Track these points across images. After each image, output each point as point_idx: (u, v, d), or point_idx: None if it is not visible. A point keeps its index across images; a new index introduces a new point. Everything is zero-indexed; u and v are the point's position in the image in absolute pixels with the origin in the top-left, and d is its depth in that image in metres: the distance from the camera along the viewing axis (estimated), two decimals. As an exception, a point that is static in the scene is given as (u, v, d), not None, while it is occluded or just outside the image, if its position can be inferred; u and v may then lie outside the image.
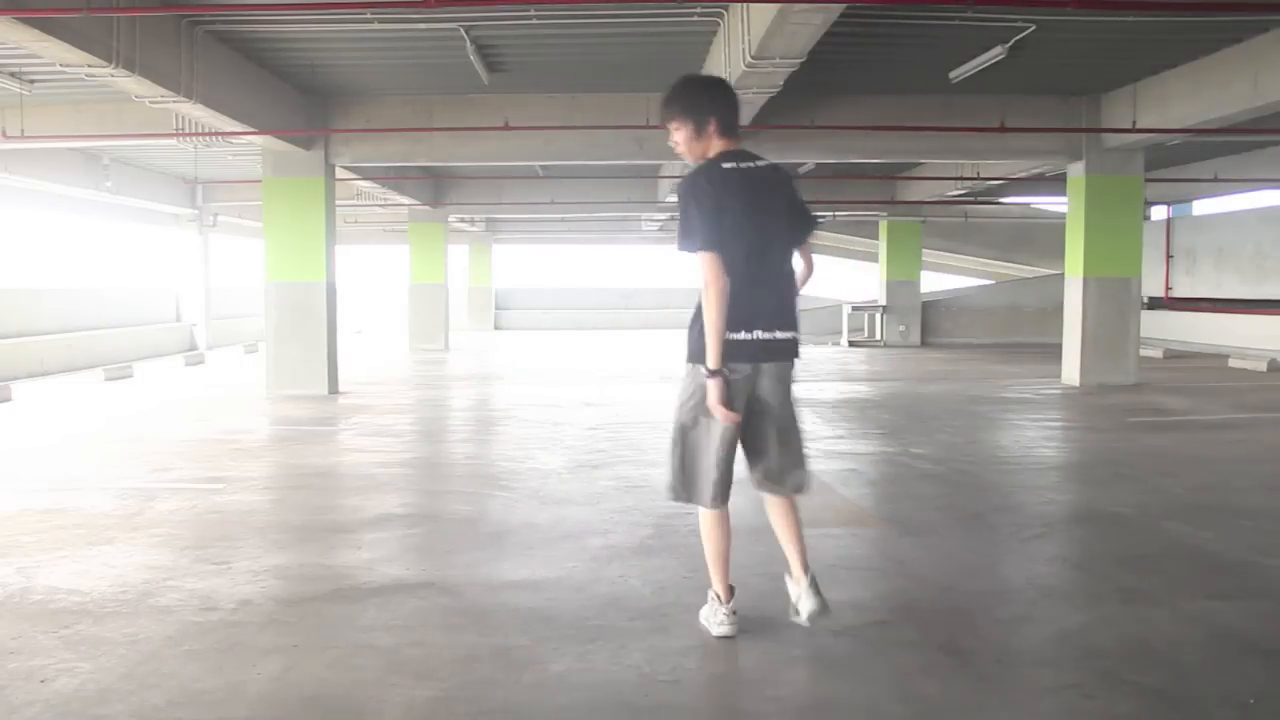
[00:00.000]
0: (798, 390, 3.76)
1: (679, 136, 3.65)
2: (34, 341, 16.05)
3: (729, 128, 3.61)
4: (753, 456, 3.71)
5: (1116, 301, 12.16)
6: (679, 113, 3.65)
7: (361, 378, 13.64)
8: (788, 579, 3.69)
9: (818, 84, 10.30)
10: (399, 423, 9.84)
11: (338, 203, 12.79)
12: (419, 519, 5.63)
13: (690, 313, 3.59)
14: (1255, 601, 4.09)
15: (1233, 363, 14.97)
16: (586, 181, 18.95)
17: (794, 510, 3.71)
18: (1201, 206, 19.78)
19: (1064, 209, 13.12)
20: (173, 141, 12.56)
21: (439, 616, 3.89)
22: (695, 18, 8.41)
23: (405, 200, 18.31)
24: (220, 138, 11.24)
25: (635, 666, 3.36)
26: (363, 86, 11.31)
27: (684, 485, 3.68)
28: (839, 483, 6.48)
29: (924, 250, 21.52)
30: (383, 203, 19.13)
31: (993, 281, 25.44)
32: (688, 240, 3.49)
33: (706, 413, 3.55)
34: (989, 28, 8.60)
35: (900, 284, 20.81)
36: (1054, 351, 13.12)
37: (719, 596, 3.66)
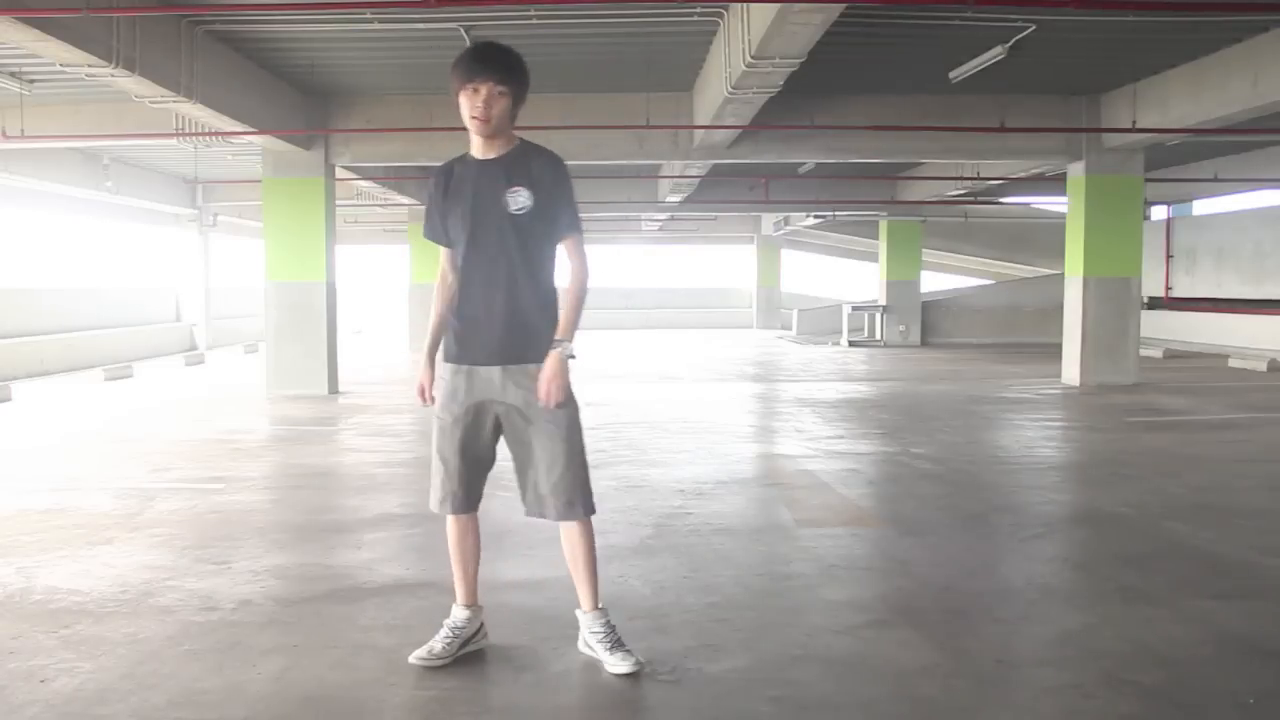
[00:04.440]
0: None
1: (500, 105, 3.13)
2: (34, 341, 16.06)
3: None
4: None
5: (1116, 301, 12.16)
6: (518, 79, 3.17)
7: (361, 378, 13.64)
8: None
9: (818, 84, 10.30)
10: (399, 423, 9.83)
11: (338, 203, 12.80)
12: (419, 519, 5.61)
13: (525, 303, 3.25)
14: (1255, 601, 4.09)
15: (1233, 363, 14.97)
16: (586, 181, 18.93)
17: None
18: (1201, 206, 19.78)
19: (1064, 209, 13.13)
20: (173, 141, 12.56)
21: (439, 616, 3.86)
22: (695, 18, 8.42)
23: (405, 200, 18.31)
24: (220, 138, 11.25)
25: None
26: (363, 86, 11.31)
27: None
28: (839, 483, 6.48)
29: (924, 250, 21.52)
30: (383, 203, 19.15)
31: (993, 281, 25.45)
32: (579, 220, 3.31)
33: None
34: (989, 28, 8.60)
35: (900, 284, 20.81)
36: (1054, 351, 13.12)
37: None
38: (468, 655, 3.43)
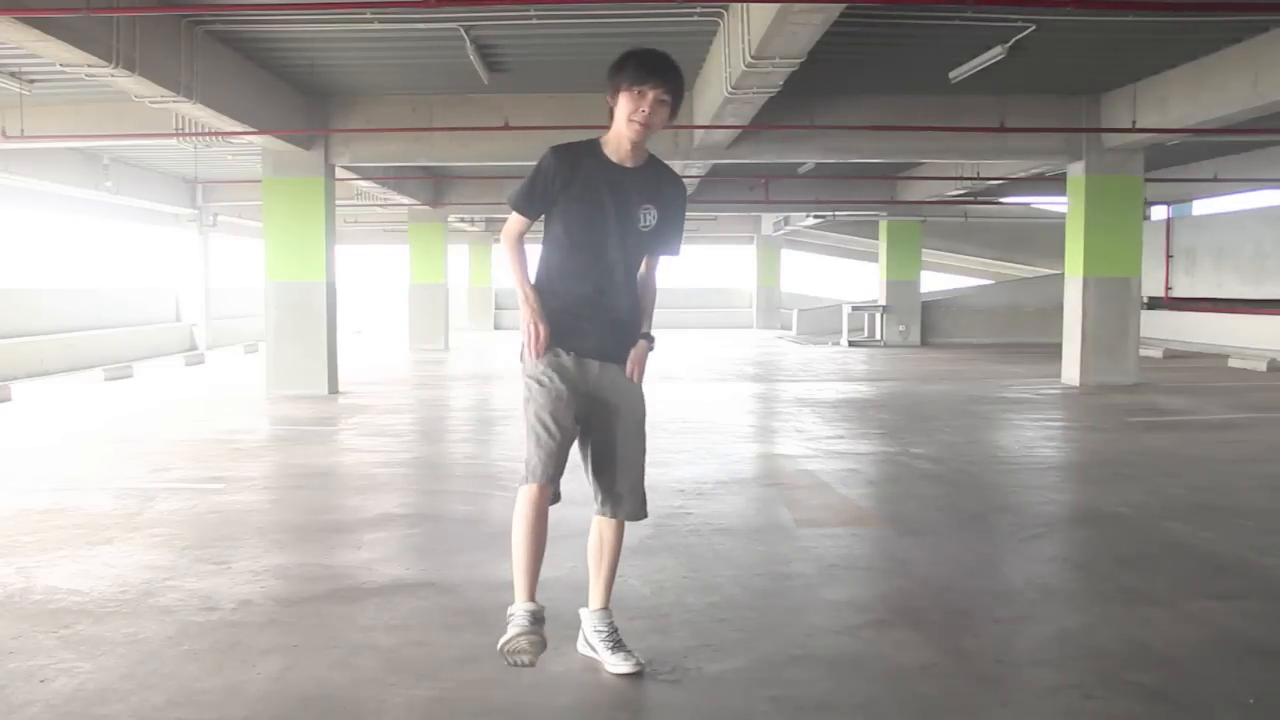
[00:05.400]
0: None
1: (661, 114, 3.18)
2: (34, 341, 16.06)
3: None
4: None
5: (1116, 301, 12.16)
6: (680, 93, 3.23)
7: (361, 378, 13.64)
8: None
9: (818, 84, 10.30)
10: (399, 423, 9.84)
11: (338, 203, 12.80)
12: (419, 519, 5.63)
13: (627, 307, 3.33)
14: (1255, 601, 4.09)
15: (1233, 363, 14.97)
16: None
17: None
18: (1201, 206, 19.78)
19: (1064, 209, 13.13)
20: (173, 141, 12.57)
21: (439, 616, 3.89)
22: (695, 18, 8.42)
23: (405, 200, 18.30)
24: (220, 138, 11.26)
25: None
26: (363, 86, 11.31)
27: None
28: (839, 483, 6.48)
29: (924, 250, 21.53)
30: (383, 203, 19.14)
31: (993, 281, 25.45)
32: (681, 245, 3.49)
33: None
34: (989, 28, 8.60)
35: (900, 284, 20.82)
36: (1054, 351, 13.12)
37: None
38: (466, 656, 3.44)
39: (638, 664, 3.27)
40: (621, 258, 3.26)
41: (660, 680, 3.24)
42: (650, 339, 3.38)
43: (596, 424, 3.30)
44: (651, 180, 3.30)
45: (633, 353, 3.32)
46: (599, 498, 3.34)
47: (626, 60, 3.19)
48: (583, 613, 3.43)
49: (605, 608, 3.39)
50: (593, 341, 3.26)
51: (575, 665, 3.37)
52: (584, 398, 3.27)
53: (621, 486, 3.29)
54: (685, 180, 16.20)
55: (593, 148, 3.26)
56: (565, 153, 3.25)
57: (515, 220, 3.30)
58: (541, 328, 3.22)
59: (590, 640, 3.37)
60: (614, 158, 3.24)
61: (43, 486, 6.43)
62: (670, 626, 3.74)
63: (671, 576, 4.37)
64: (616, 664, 3.27)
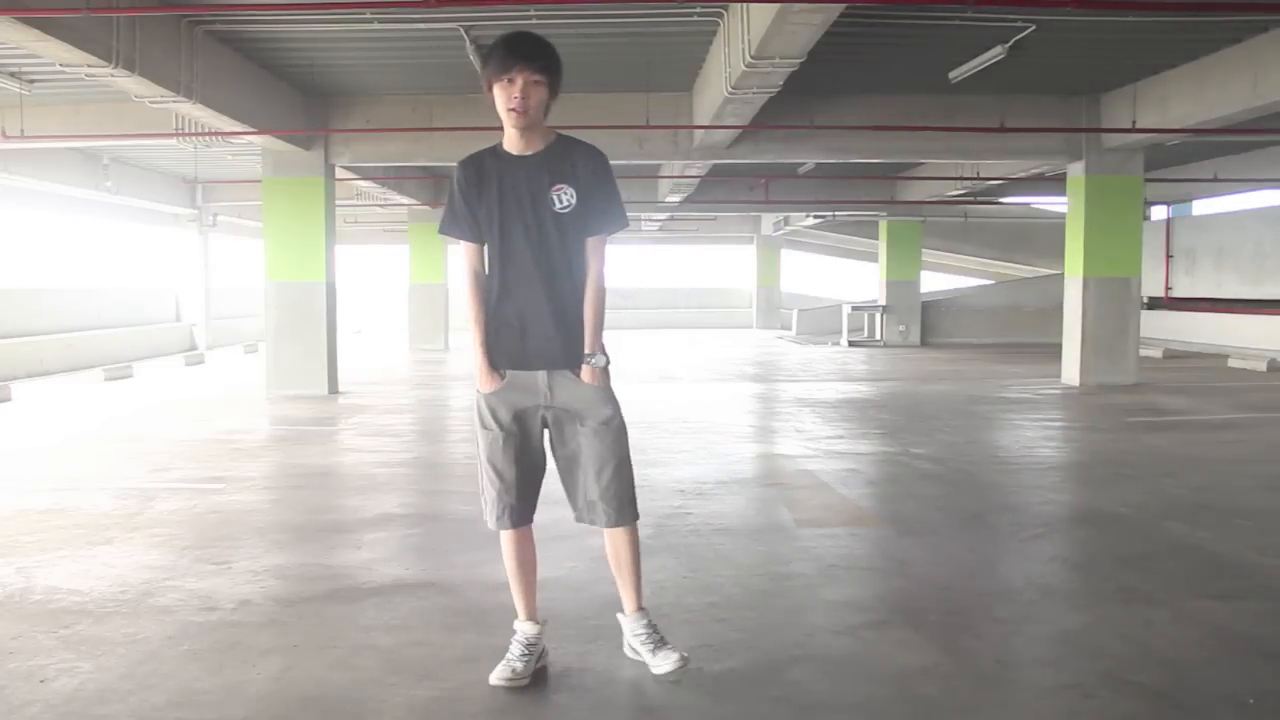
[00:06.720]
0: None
1: (537, 95, 3.06)
2: (34, 341, 16.05)
3: None
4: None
5: (1116, 301, 12.16)
6: (554, 68, 3.10)
7: (361, 378, 13.64)
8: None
9: (818, 84, 10.30)
10: (399, 423, 9.84)
11: (338, 203, 12.80)
12: (419, 519, 5.63)
13: (566, 298, 3.17)
14: (1255, 601, 4.09)
15: (1233, 363, 14.97)
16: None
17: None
18: (1201, 206, 19.79)
19: (1064, 209, 13.14)
20: (173, 141, 12.57)
21: (439, 616, 3.89)
22: (695, 18, 8.42)
23: (405, 200, 18.32)
24: (220, 138, 11.26)
25: (635, 666, 3.35)
26: (363, 86, 11.31)
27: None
28: (839, 483, 6.48)
29: (924, 250, 21.53)
30: (383, 203, 19.14)
31: (993, 281, 25.45)
32: (623, 218, 3.26)
33: None
34: (989, 28, 8.60)
35: (900, 284, 20.81)
36: (1054, 351, 13.12)
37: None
38: (466, 656, 3.44)
39: (681, 658, 3.16)
40: (547, 251, 3.11)
41: (660, 680, 3.24)
42: (593, 358, 3.14)
43: (556, 433, 3.22)
44: (559, 160, 3.14)
45: (582, 377, 3.15)
46: (574, 507, 3.28)
47: (491, 52, 3.12)
48: (620, 619, 3.36)
49: (640, 609, 3.30)
50: (535, 351, 3.13)
51: (575, 665, 3.37)
52: (530, 417, 3.18)
53: (592, 494, 3.19)
54: (685, 180, 16.30)
55: (494, 149, 3.20)
56: (470, 160, 3.20)
57: (464, 251, 3.22)
58: (486, 366, 3.14)
59: (633, 644, 3.30)
60: (513, 151, 3.16)
61: (43, 486, 6.44)
62: (670, 626, 3.72)
63: (671, 576, 4.37)
64: (659, 664, 3.17)
